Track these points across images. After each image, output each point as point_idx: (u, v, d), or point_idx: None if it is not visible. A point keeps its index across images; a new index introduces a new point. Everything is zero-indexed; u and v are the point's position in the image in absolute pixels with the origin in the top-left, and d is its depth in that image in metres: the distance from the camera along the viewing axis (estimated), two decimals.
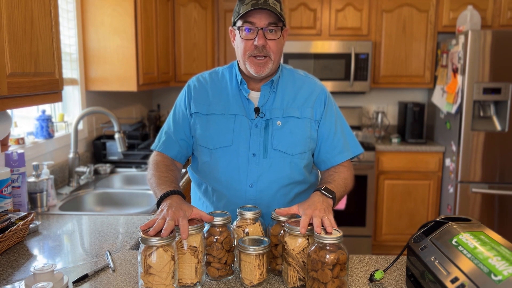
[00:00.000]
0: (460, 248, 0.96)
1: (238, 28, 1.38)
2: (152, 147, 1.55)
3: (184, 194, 1.29)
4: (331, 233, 1.07)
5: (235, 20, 1.38)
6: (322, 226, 1.10)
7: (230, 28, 1.44)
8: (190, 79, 1.56)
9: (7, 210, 1.59)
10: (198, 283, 1.12)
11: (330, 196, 1.28)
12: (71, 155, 2.36)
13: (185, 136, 1.49)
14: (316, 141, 1.49)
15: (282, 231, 1.19)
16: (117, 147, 2.45)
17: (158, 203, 1.25)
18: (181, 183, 2.30)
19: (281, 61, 1.49)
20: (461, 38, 3.26)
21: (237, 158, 1.41)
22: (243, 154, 1.40)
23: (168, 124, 1.53)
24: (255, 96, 1.45)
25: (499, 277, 0.82)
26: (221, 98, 1.46)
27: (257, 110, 1.43)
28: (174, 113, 1.53)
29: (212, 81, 1.50)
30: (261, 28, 1.34)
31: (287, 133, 1.41)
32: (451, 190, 3.44)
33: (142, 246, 1.03)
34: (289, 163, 1.42)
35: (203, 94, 1.48)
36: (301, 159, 1.44)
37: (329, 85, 3.72)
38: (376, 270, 1.16)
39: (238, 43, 1.41)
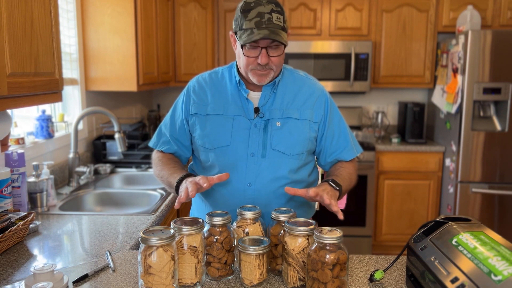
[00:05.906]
0: (460, 248, 0.96)
1: (241, 45, 1.34)
2: (151, 144, 1.57)
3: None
4: (337, 211, 1.20)
5: (237, 33, 1.35)
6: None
7: (231, 32, 1.41)
8: (191, 79, 1.57)
9: (7, 210, 1.58)
10: (198, 283, 1.12)
11: (337, 188, 1.33)
12: (71, 155, 2.36)
13: (181, 139, 1.52)
14: (319, 142, 1.50)
15: (282, 231, 1.19)
16: (117, 147, 2.45)
17: (177, 189, 1.33)
18: None
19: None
20: (461, 38, 3.26)
21: (236, 157, 1.41)
22: (242, 154, 1.41)
23: (165, 123, 1.56)
24: (254, 96, 1.46)
25: (499, 277, 0.82)
26: (220, 99, 1.47)
27: (256, 110, 1.44)
28: (174, 115, 1.54)
29: (212, 82, 1.51)
30: (265, 47, 1.33)
31: (286, 134, 1.42)
32: (451, 190, 3.44)
33: (142, 246, 1.03)
34: (287, 163, 1.42)
35: (202, 95, 1.49)
36: (299, 160, 1.45)
37: (329, 85, 3.72)
38: (376, 270, 1.16)
39: (240, 54, 1.38)
